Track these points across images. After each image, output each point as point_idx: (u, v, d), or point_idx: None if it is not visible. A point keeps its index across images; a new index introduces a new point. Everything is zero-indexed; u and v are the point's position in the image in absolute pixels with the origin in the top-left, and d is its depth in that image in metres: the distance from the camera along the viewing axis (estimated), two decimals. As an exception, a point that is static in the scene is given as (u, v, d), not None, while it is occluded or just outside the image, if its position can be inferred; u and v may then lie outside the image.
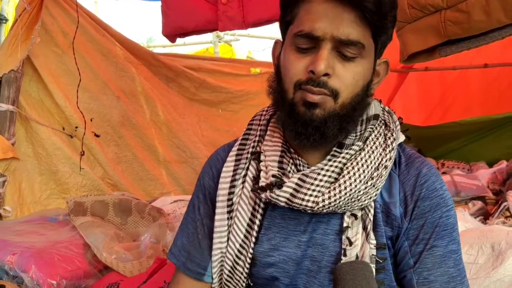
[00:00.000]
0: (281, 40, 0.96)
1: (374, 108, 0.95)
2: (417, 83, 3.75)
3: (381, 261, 0.89)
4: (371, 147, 0.91)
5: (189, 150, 2.99)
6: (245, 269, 0.97)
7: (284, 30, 0.93)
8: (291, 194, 0.88)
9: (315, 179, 0.88)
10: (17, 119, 2.20)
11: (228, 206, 0.99)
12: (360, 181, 0.87)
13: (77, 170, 2.36)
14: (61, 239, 1.77)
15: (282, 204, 0.89)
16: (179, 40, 2.62)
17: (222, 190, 1.00)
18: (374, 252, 0.88)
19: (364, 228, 0.90)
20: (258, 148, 0.99)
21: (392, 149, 0.92)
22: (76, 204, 1.94)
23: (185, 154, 2.99)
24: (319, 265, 0.92)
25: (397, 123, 0.97)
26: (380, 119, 0.96)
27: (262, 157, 0.96)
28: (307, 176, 0.89)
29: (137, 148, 2.73)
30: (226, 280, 1.01)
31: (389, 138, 0.93)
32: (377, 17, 0.83)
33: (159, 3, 2.35)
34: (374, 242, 0.89)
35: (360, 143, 0.91)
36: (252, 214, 0.97)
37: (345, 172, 0.88)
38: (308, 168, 0.92)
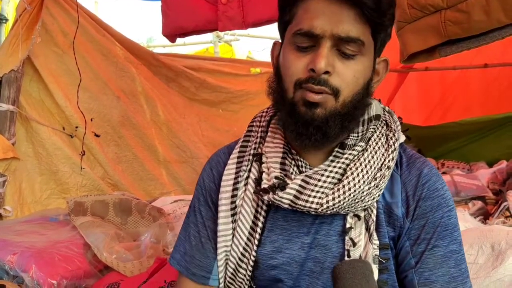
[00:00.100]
0: (280, 41, 0.96)
1: (375, 108, 0.95)
2: (417, 83, 3.75)
3: (384, 261, 0.89)
4: (373, 148, 0.91)
5: (189, 150, 2.99)
6: (248, 272, 0.96)
7: (282, 30, 0.93)
8: (295, 196, 0.88)
9: (319, 180, 0.88)
10: (17, 119, 2.20)
11: (231, 209, 0.98)
12: (364, 182, 0.87)
13: (77, 170, 2.36)
14: (62, 239, 1.77)
15: (285, 206, 0.89)
16: (179, 40, 2.62)
17: (224, 193, 0.99)
18: (377, 252, 0.88)
19: (367, 228, 0.90)
20: (259, 150, 0.99)
21: (395, 149, 0.92)
22: (77, 204, 1.94)
23: (185, 154, 2.99)
24: (322, 266, 0.92)
25: (398, 123, 0.97)
26: (381, 119, 0.96)
27: (263, 159, 0.96)
28: (310, 177, 0.89)
29: (137, 148, 2.74)
30: (229, 282, 1.01)
31: (391, 138, 0.93)
32: (376, 14, 0.83)
33: (159, 3, 2.35)
34: (377, 242, 0.89)
35: (362, 144, 0.91)
36: (255, 216, 0.96)
37: (349, 173, 0.88)
38: (310, 169, 0.92)
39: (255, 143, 1.00)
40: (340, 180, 0.88)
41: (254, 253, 0.95)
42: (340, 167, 0.89)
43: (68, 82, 2.38)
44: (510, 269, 1.40)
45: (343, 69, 0.84)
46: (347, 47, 0.84)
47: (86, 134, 2.40)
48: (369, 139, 0.92)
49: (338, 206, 0.86)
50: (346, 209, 0.88)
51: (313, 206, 0.86)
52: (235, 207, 0.98)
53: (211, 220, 1.03)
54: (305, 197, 0.87)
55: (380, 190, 0.90)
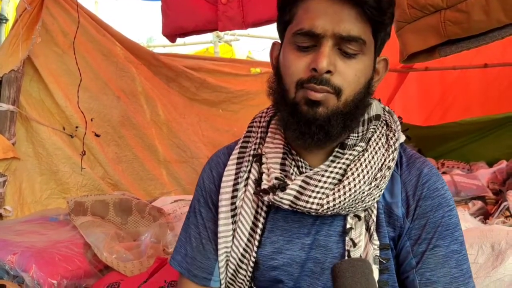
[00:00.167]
0: (279, 41, 0.95)
1: (375, 108, 0.95)
2: (417, 83, 3.75)
3: (384, 262, 0.89)
4: (374, 148, 0.91)
5: (189, 150, 3.00)
6: (248, 273, 0.96)
7: (282, 30, 0.93)
8: (295, 197, 0.88)
9: (319, 181, 0.88)
10: (17, 119, 2.20)
11: (231, 210, 0.98)
12: (364, 182, 0.87)
13: (78, 170, 2.37)
14: (62, 238, 1.77)
15: (286, 207, 0.89)
16: (179, 40, 2.62)
17: (224, 194, 0.99)
18: (377, 253, 0.88)
19: (367, 229, 0.90)
20: (259, 151, 0.98)
21: (395, 149, 0.92)
22: (77, 204, 1.94)
23: (186, 154, 2.99)
24: (322, 266, 0.92)
25: (398, 123, 0.97)
26: (381, 119, 0.95)
27: (263, 160, 0.96)
28: (310, 178, 0.89)
29: (137, 148, 2.74)
30: (229, 283, 1.01)
31: (391, 138, 0.93)
32: (377, 13, 0.83)
33: (159, 3, 2.35)
34: (378, 243, 0.89)
35: (363, 144, 0.91)
36: (255, 217, 0.96)
37: (349, 173, 0.88)
38: (310, 169, 0.91)
39: (255, 143, 1.00)
40: (340, 181, 0.88)
41: (254, 254, 0.95)
42: (340, 168, 0.89)
43: (68, 82, 2.38)
44: (510, 269, 1.40)
45: (345, 68, 0.84)
46: (348, 46, 0.83)
47: (86, 134, 2.40)
48: (369, 139, 0.92)
49: (339, 206, 0.86)
50: (347, 210, 0.88)
51: (314, 206, 0.86)
52: (235, 208, 0.98)
53: (211, 221, 1.03)
54: (306, 198, 0.87)
55: (381, 191, 0.89)
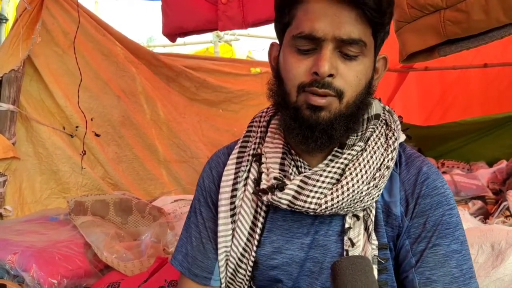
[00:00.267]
0: (277, 42, 0.95)
1: (375, 107, 0.94)
2: (417, 83, 3.75)
3: (383, 262, 0.88)
4: (372, 148, 0.90)
5: (189, 149, 3.00)
6: (248, 272, 0.96)
7: (281, 31, 0.92)
8: (293, 197, 0.88)
9: (317, 181, 0.88)
10: (17, 118, 2.20)
11: (231, 209, 0.98)
12: (363, 182, 0.86)
13: (78, 169, 2.37)
14: (62, 238, 1.77)
15: (284, 206, 0.89)
16: (179, 40, 2.62)
17: (224, 193, 0.99)
18: (376, 252, 0.88)
19: (366, 228, 0.89)
20: (259, 150, 0.98)
21: (394, 149, 0.91)
22: (77, 204, 1.94)
23: (186, 153, 2.99)
24: (321, 266, 0.92)
25: (398, 122, 0.97)
26: (381, 118, 0.95)
27: (263, 159, 0.96)
28: (309, 178, 0.89)
29: (137, 148, 2.74)
30: (228, 282, 1.01)
31: (391, 138, 0.93)
32: (377, 15, 0.82)
33: (159, 2, 2.35)
34: (376, 242, 0.88)
35: (361, 144, 0.91)
36: (254, 217, 0.96)
37: (347, 173, 0.87)
38: (309, 169, 0.91)
39: (255, 143, 1.00)
40: (338, 181, 0.88)
41: (253, 254, 0.95)
42: (338, 167, 0.89)
43: (68, 81, 2.38)
44: (510, 269, 1.41)
45: (346, 71, 0.84)
46: (349, 48, 0.83)
47: (87, 133, 2.40)
48: (368, 138, 0.92)
49: (337, 206, 0.86)
50: (345, 210, 0.88)
51: (312, 206, 0.86)
52: (235, 207, 0.98)
53: (211, 220, 1.03)
54: (304, 198, 0.87)
55: (380, 190, 0.89)
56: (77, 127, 2.41)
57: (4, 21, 3.04)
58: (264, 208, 0.95)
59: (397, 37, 1.70)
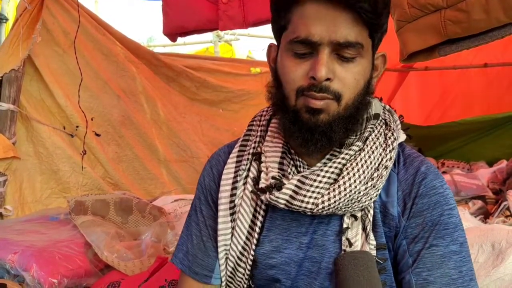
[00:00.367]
0: (275, 43, 0.95)
1: (375, 107, 0.94)
2: (417, 82, 3.75)
3: (381, 262, 0.88)
4: (371, 147, 0.90)
5: (189, 149, 3.00)
6: (247, 271, 0.96)
7: (277, 33, 0.92)
8: (290, 196, 0.88)
9: (314, 180, 0.88)
10: (18, 118, 2.20)
11: (230, 208, 0.99)
12: (360, 182, 0.86)
13: (78, 169, 2.37)
14: (62, 238, 1.77)
15: (282, 206, 0.89)
16: (179, 40, 2.62)
17: (224, 192, 1.00)
18: (374, 252, 0.87)
19: (364, 229, 0.89)
20: (259, 149, 0.98)
21: (393, 149, 0.91)
22: (77, 203, 1.94)
23: (186, 153, 3.00)
24: (319, 266, 0.91)
25: (398, 122, 0.97)
26: (380, 118, 0.95)
27: (263, 158, 0.96)
28: (306, 177, 0.89)
29: (137, 148, 2.74)
30: (228, 281, 1.01)
31: (390, 138, 0.92)
32: (373, 16, 0.82)
33: (159, 2, 2.36)
34: (374, 242, 0.88)
35: (359, 143, 0.91)
36: (253, 215, 0.96)
37: (345, 173, 0.87)
38: (308, 169, 0.91)
39: (255, 142, 1.00)
40: (336, 180, 0.87)
41: (252, 252, 0.95)
42: (336, 167, 0.89)
43: (68, 81, 2.38)
44: (510, 268, 1.41)
45: (344, 73, 0.83)
46: (346, 51, 0.82)
47: (87, 133, 2.41)
48: (367, 138, 0.92)
49: (334, 206, 0.86)
50: (343, 210, 0.87)
51: (309, 206, 0.86)
52: (234, 206, 0.98)
53: (212, 219, 1.03)
54: (301, 198, 0.87)
55: (378, 190, 0.88)
56: (77, 126, 2.41)
57: (4, 20, 3.05)
58: (263, 207, 0.96)
59: (398, 37, 1.70)
